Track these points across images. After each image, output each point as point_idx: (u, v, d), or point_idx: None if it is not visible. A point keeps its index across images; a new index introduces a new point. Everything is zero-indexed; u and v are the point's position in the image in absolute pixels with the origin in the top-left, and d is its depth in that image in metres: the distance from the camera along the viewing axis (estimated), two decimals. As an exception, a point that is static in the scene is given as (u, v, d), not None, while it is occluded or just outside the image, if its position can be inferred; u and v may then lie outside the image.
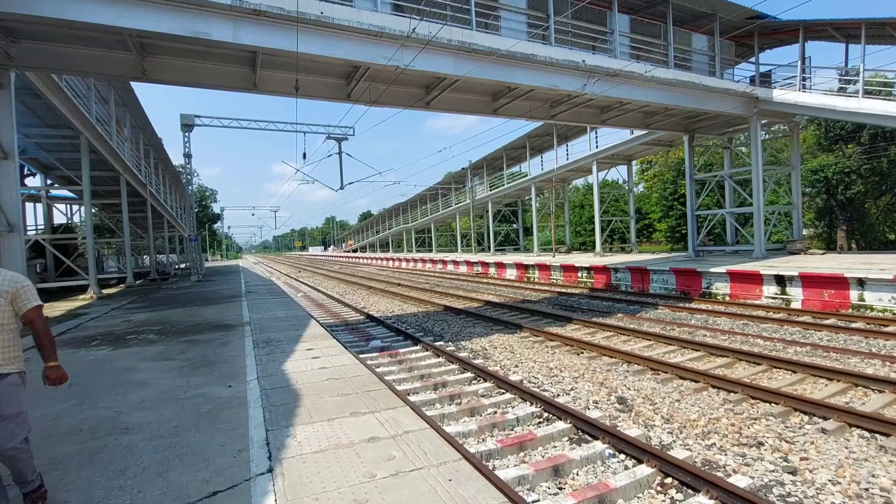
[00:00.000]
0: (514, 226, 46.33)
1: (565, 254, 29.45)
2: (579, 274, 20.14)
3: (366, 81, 11.92)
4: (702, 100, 15.08)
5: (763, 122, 18.01)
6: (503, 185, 34.76)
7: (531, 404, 5.96)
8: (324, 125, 23.41)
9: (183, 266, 38.87)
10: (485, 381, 7.06)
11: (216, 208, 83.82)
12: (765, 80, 17.55)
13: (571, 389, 6.62)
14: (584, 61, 12.09)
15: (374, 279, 27.10)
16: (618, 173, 30.52)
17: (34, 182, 20.44)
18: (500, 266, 25.92)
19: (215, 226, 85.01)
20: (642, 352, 8.47)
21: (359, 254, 76.68)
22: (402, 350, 9.24)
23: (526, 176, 34.14)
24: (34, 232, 22.05)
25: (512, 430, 5.43)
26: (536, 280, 22.27)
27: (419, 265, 38.03)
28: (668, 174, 41.00)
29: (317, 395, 3.70)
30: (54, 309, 11.79)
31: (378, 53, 9.84)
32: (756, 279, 13.14)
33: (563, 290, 17.47)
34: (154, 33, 8.26)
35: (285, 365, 4.80)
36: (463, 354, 8.69)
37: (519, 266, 24.16)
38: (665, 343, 9.05)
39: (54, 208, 22.83)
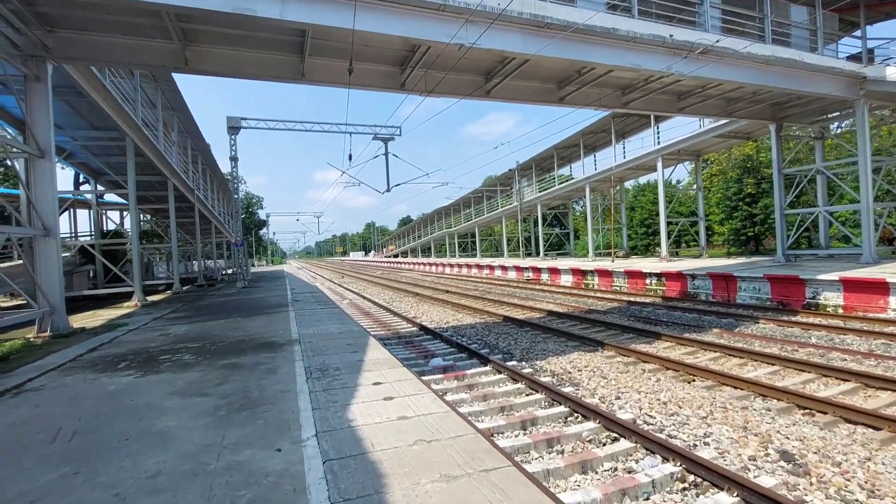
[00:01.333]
0: (558, 230, 44.34)
1: (624, 258, 27.38)
2: (647, 281, 18.26)
3: (421, 68, 10.76)
4: (800, 80, 13.04)
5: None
6: (554, 185, 32.97)
7: (665, 460, 4.48)
8: (370, 125, 22.55)
9: (230, 271, 39.16)
10: (585, 418, 5.61)
11: (262, 215, 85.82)
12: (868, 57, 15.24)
13: (706, 436, 5.07)
14: (671, 36, 10.45)
15: (420, 285, 26.01)
16: (685, 170, 28.19)
17: (81, 189, 20.51)
18: (554, 272, 24.23)
19: (261, 232, 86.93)
20: (773, 381, 6.78)
21: (400, 259, 76.19)
22: (469, 371, 7.91)
23: (573, 178, 32.24)
24: (89, 237, 22.22)
25: (647, 499, 3.99)
26: (596, 287, 20.49)
27: (464, 271, 36.72)
28: (732, 172, 38.00)
29: (409, 478, 2.40)
30: (96, 318, 11.19)
31: (440, 30, 8.62)
32: (880, 288, 11.02)
33: (632, 300, 15.68)
34: (194, 11, 7.33)
35: (351, 410, 3.55)
36: (545, 379, 7.27)
37: (575, 272, 22.42)
38: (795, 369, 7.30)
39: (107, 215, 22.99)
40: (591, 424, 5.40)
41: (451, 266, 39.57)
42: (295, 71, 10.34)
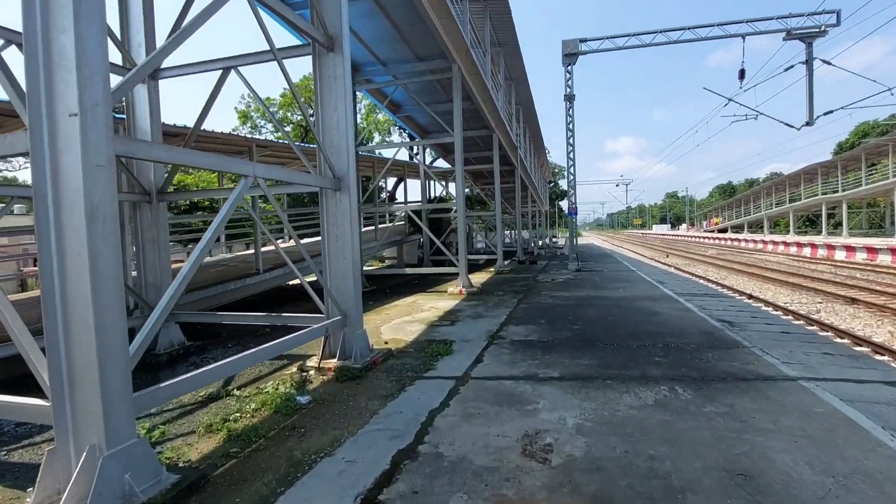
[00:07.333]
0: None
1: None
2: None
3: None
4: None
5: None
6: None
7: None
8: (777, 17, 13.75)
9: (539, 244, 36.29)
10: None
11: (563, 185, 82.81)
12: None
13: None
14: None
15: (842, 284, 15.63)
16: None
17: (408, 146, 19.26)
18: None
19: (561, 203, 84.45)
20: None
21: (728, 234, 60.25)
22: None
23: None
24: (419, 203, 21.52)
25: None
26: None
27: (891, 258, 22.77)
28: None
29: None
30: (412, 315, 7.65)
31: None
32: None
33: None
34: None
35: None
36: None
37: None
38: None
39: (433, 182, 21.93)
40: None
41: (848, 249, 25.55)
42: None
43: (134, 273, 6.08)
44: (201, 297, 8.23)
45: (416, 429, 3.27)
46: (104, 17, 2.43)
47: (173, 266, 6.31)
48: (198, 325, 7.29)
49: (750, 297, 13.64)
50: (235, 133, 12.08)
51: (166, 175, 5.84)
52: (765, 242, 40.71)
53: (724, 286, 15.83)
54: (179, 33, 3.15)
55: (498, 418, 3.41)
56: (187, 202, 17.53)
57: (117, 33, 5.44)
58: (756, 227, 58.51)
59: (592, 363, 4.75)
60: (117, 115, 7.21)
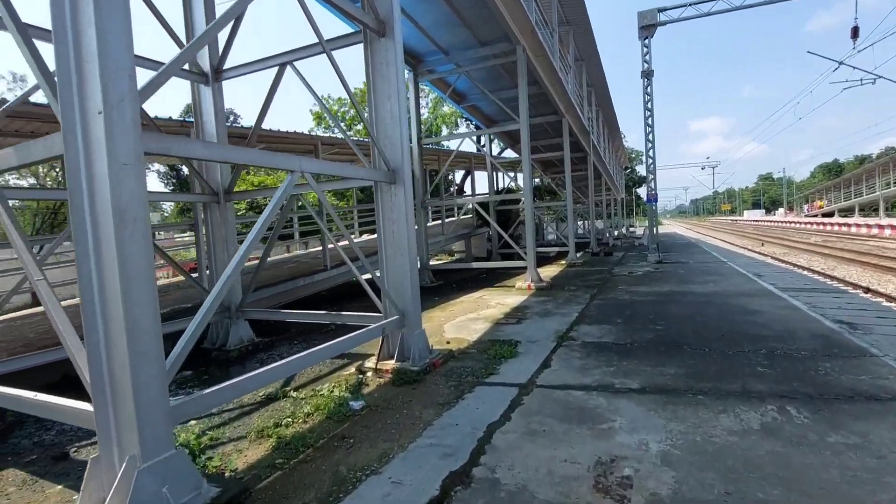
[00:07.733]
0: None
1: None
2: None
3: None
4: None
5: None
6: None
7: None
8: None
9: (615, 233, 34.37)
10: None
11: (641, 171, 77.71)
12: None
13: None
14: None
15: None
16: None
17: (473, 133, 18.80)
18: None
19: (638, 190, 79.46)
20: None
21: (835, 219, 53.44)
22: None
23: None
24: (486, 195, 21.07)
25: None
26: None
27: None
28: None
29: None
30: (476, 312, 7.31)
31: None
32: None
33: None
34: None
35: None
36: None
37: None
38: None
39: (500, 173, 21.33)
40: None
41: None
42: None
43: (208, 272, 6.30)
44: (272, 293, 8.48)
45: (472, 446, 2.93)
46: (128, 9, 2.30)
47: (248, 262, 6.46)
48: (270, 320, 7.47)
49: (867, 290, 11.79)
50: (308, 133, 12.38)
51: (231, 176, 5.95)
52: (881, 227, 35.63)
53: (834, 278, 13.86)
54: (209, 29, 3.02)
55: (566, 438, 2.97)
56: (267, 201, 18.49)
57: (182, 36, 5.57)
58: (869, 209, 51.37)
59: (680, 372, 4.13)
60: (187, 120, 7.53)
